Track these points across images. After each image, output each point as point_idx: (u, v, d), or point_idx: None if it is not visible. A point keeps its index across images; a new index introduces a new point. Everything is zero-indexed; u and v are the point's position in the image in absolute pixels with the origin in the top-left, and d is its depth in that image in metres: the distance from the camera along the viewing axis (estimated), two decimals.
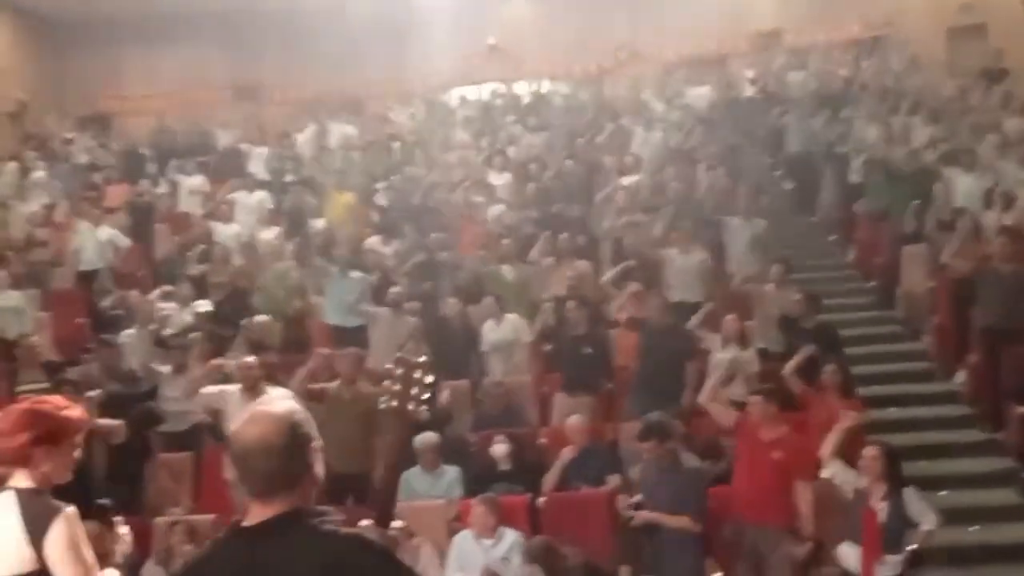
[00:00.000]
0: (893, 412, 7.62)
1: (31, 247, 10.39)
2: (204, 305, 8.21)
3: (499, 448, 6.51)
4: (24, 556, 2.53)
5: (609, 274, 8.08)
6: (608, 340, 7.51)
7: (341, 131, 14.17)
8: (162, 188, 12.36)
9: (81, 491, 6.30)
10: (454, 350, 7.77)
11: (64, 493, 6.22)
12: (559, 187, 10.87)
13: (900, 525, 4.84)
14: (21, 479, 2.63)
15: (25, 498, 2.59)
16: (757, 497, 5.27)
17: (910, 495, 4.90)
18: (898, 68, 13.91)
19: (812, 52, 15.76)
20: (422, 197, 10.97)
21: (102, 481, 6.52)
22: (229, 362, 7.06)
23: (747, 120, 14.27)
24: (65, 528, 2.56)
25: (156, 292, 8.89)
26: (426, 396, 2.23)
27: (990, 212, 8.71)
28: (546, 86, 16.68)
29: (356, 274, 8.64)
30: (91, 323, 9.88)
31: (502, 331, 7.78)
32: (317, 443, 2.03)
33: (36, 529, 2.53)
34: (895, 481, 4.89)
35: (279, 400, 2.06)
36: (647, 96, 14.58)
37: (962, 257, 7.84)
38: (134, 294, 9.02)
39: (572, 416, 6.57)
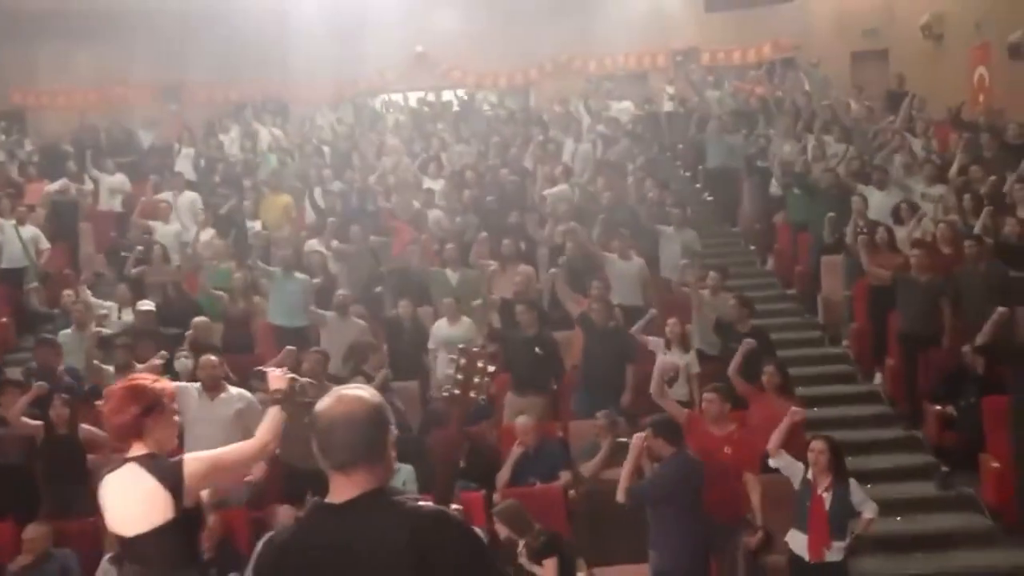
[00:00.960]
0: (817, 412, 8.07)
1: None
2: (146, 304, 8.08)
3: None
4: (165, 507, 2.81)
5: (564, 277, 8.30)
6: (556, 341, 7.74)
7: (270, 133, 14.06)
8: (87, 186, 12.03)
9: (25, 493, 6.22)
10: (405, 351, 7.90)
11: (9, 496, 6.08)
12: (495, 194, 11.08)
13: (844, 513, 5.21)
14: (138, 449, 2.90)
15: (148, 462, 2.85)
16: (711, 490, 5.56)
17: (854, 485, 5.28)
18: (810, 89, 14.65)
19: (728, 70, 16.47)
20: (360, 200, 11.02)
21: (45, 481, 6.42)
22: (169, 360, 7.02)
23: (668, 134, 14.83)
24: (190, 462, 2.88)
25: (88, 292, 8.69)
26: (487, 385, 2.42)
27: (901, 226, 9.30)
28: (472, 95, 16.91)
29: (300, 275, 8.66)
30: (15, 322, 9.61)
31: (456, 331, 7.94)
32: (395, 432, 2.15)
33: (170, 481, 2.80)
34: (839, 472, 5.26)
35: (363, 387, 2.18)
36: (574, 107, 14.94)
37: (879, 267, 8.37)
38: (68, 294, 8.80)
39: (519, 416, 6.78)
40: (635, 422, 6.94)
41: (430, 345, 8.09)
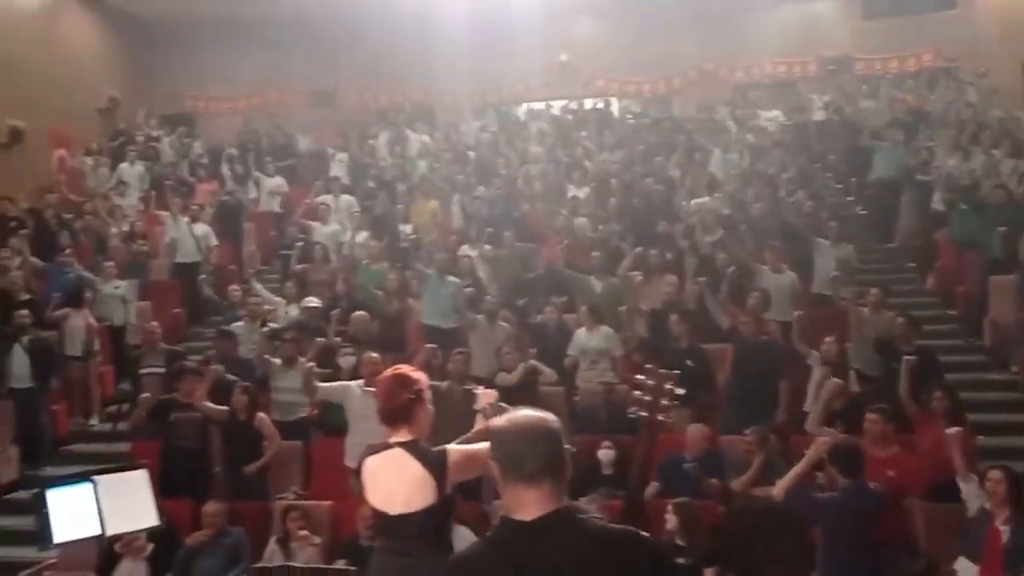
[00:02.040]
0: (983, 440, 7.64)
1: (132, 239, 10.76)
2: (311, 301, 8.45)
3: (606, 453, 6.71)
4: (429, 492, 2.99)
5: (723, 288, 8.18)
6: (707, 353, 7.65)
7: (419, 139, 14.47)
8: (251, 191, 12.72)
9: (200, 474, 6.58)
10: (550, 357, 7.99)
11: (186, 476, 6.44)
12: (642, 203, 11.05)
13: (1022, 549, 4.93)
14: (403, 435, 3.10)
15: (414, 448, 3.05)
16: None
17: None
18: (975, 100, 13.92)
19: (883, 79, 15.83)
20: (505, 207, 11.20)
21: (224, 463, 6.81)
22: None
23: (818, 144, 14.37)
24: (453, 453, 3.05)
25: (259, 286, 9.19)
26: (675, 407, 2.41)
27: None
28: (615, 103, 16.91)
29: (452, 279, 8.90)
30: (186, 313, 10.25)
31: (595, 339, 7.98)
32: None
33: (436, 469, 2.99)
34: (1020, 505, 4.98)
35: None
36: (720, 116, 14.72)
37: None
38: (235, 289, 9.33)
39: (693, 425, 6.74)
40: (787, 439, 6.81)
41: (569, 351, 8.15)
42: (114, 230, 11.15)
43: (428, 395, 3.19)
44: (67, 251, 9.97)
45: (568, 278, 9.28)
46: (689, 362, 7.27)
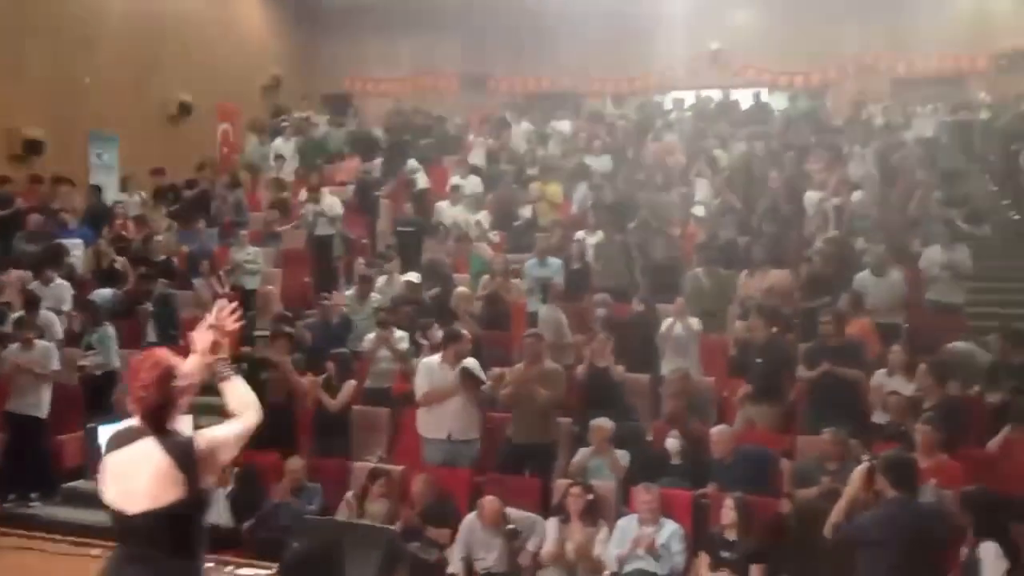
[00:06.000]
0: None
1: (273, 209, 11.60)
2: (413, 276, 8.89)
3: (672, 443, 6.75)
4: (177, 482, 2.78)
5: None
6: (787, 352, 7.52)
7: (558, 127, 14.67)
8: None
9: (286, 432, 7.07)
10: (636, 343, 8.07)
11: (272, 432, 6.93)
12: (763, 198, 10.84)
13: None
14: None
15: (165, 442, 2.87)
16: None
17: None
18: None
19: None
20: (629, 194, 11.24)
21: (313, 425, 7.36)
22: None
23: (980, 144, 13.49)
24: (200, 439, 2.90)
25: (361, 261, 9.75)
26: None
27: None
28: (764, 95, 16.46)
29: (554, 260, 9.11)
30: (315, 282, 10.95)
31: (680, 329, 8.04)
32: None
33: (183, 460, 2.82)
34: None
35: None
36: (870, 112, 14.11)
37: None
38: (360, 262, 9.91)
39: (717, 427, 6.72)
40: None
41: (658, 341, 8.19)
42: (261, 200, 12.04)
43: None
44: (200, 221, 11.00)
45: (674, 271, 9.29)
46: (759, 360, 7.22)
